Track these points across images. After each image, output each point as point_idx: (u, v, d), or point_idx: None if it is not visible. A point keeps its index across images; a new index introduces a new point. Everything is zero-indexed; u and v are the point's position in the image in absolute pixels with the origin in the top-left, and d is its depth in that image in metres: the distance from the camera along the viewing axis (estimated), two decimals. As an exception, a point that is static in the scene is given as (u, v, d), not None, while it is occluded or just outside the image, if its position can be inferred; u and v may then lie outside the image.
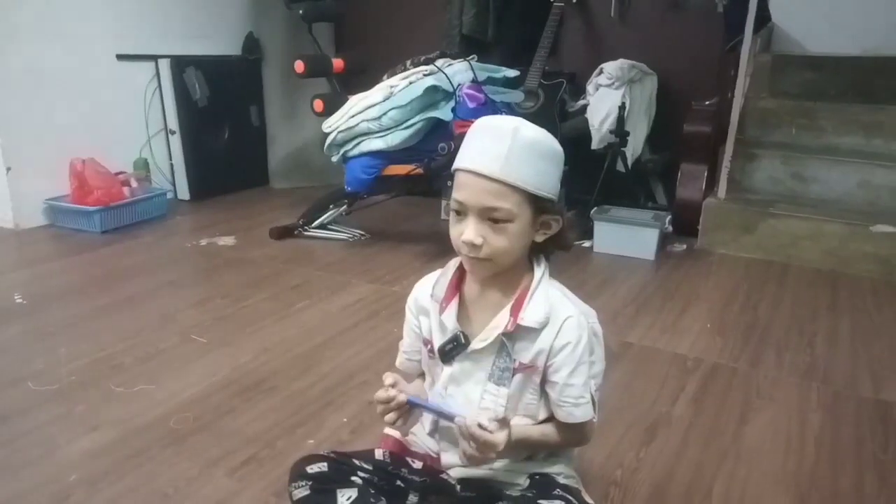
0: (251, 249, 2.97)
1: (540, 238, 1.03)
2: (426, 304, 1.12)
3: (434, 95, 2.58)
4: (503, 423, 0.96)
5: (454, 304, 1.08)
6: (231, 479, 1.42)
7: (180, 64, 3.64)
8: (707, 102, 3.17)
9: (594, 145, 3.26)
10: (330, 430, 1.60)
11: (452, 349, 1.06)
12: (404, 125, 2.59)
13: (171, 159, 3.81)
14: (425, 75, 2.63)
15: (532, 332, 1.02)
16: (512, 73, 2.96)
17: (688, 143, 3.14)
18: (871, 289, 2.61)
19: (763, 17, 3.02)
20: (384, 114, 2.61)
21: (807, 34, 4.48)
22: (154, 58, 3.63)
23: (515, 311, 1.02)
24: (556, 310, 1.03)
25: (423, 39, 3.79)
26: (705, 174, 3.10)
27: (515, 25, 3.70)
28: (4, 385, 1.78)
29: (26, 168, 3.15)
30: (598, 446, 1.51)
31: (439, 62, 2.73)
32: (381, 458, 1.15)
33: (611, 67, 3.21)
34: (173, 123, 3.72)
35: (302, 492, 1.07)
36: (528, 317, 1.02)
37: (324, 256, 2.93)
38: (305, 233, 3.13)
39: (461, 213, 0.99)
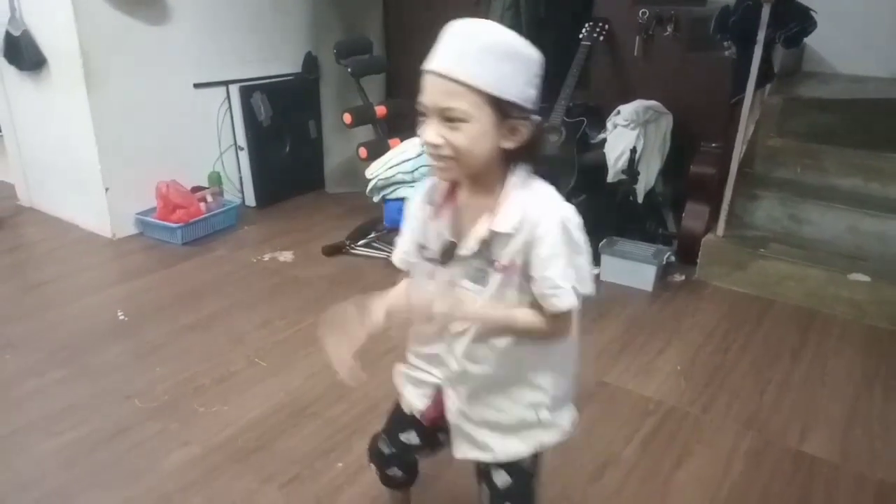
0: (306, 267, 3.48)
1: (509, 144, 1.05)
2: (423, 209, 1.21)
3: (459, 154, 3.00)
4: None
5: (447, 212, 1.16)
6: (280, 493, 1.95)
7: (248, 90, 4.14)
8: (713, 145, 3.46)
9: (609, 179, 3.61)
10: (356, 455, 2.04)
11: (446, 255, 1.16)
12: (433, 179, 3.03)
13: (239, 172, 4.36)
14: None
15: (508, 236, 1.09)
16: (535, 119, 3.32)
17: (693, 183, 3.46)
18: (841, 330, 2.90)
19: (768, 75, 3.26)
20: (416, 169, 3.05)
21: (839, 54, 4.65)
22: (225, 84, 4.14)
23: (492, 217, 1.10)
24: (528, 213, 1.08)
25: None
26: (707, 213, 3.43)
27: (545, 59, 4.01)
28: (118, 401, 2.36)
29: (120, 187, 3.75)
30: (553, 480, 1.91)
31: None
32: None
33: (627, 110, 3.52)
34: (242, 141, 4.25)
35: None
36: (501, 223, 1.09)
37: (371, 275, 3.35)
38: (352, 250, 3.63)
39: (425, 115, 1.03)
